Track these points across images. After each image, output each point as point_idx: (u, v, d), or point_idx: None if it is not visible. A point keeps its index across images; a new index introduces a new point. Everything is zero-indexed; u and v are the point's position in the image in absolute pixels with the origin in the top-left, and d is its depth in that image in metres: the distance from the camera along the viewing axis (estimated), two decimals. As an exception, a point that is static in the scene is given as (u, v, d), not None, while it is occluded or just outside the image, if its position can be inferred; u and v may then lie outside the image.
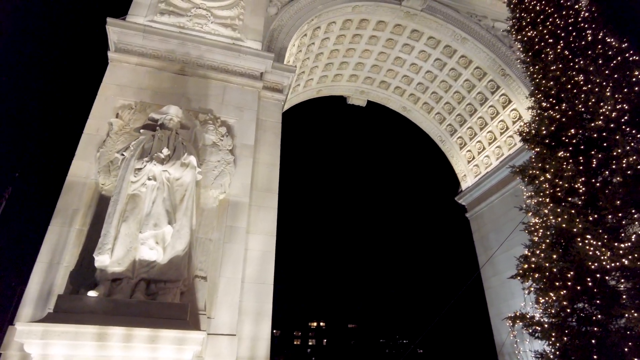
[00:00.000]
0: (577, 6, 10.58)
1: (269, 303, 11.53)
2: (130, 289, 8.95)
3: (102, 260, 8.89)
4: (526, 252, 8.80)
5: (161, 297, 8.94)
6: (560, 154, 8.49)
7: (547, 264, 7.49)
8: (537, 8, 11.02)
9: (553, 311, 7.45)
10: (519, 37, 11.55)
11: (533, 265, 8.11)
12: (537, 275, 7.77)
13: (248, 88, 13.98)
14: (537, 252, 8.08)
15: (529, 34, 11.02)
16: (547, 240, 7.97)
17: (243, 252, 11.72)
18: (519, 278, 9.01)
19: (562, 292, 7.31)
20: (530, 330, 9.02)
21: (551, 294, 7.42)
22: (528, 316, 8.87)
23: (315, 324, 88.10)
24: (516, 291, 18.63)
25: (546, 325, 8.01)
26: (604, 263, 6.54)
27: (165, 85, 12.83)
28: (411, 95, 23.94)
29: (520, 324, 9.25)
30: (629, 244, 6.56)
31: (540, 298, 7.70)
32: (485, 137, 22.29)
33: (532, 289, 8.38)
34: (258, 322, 10.99)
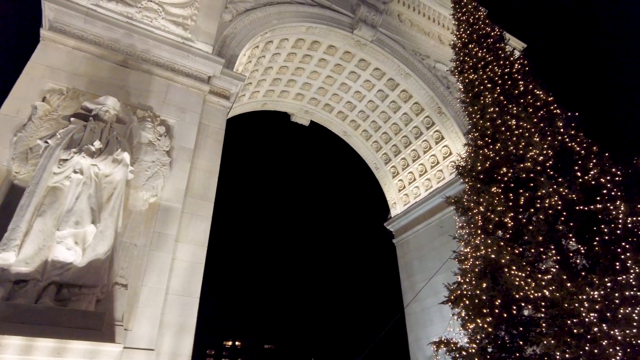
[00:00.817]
0: (512, 58, 11.73)
1: (193, 317, 10.85)
2: (37, 293, 7.89)
3: (6, 257, 7.79)
4: (458, 279, 9.25)
5: (74, 304, 8.00)
6: (494, 189, 9.17)
7: (477, 292, 7.93)
8: (479, 55, 12.01)
9: (478, 337, 7.85)
10: (460, 78, 12.45)
11: (463, 292, 8.54)
12: (467, 302, 8.18)
13: (193, 90, 13.44)
14: (467, 280, 8.53)
15: (471, 76, 11.93)
16: (476, 269, 8.47)
17: (170, 261, 11.00)
18: (449, 304, 9.41)
19: (488, 319, 7.75)
20: (453, 356, 9.40)
21: (478, 321, 7.83)
22: (452, 342, 9.27)
23: (230, 343, 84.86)
24: (435, 318, 19.50)
25: (472, 351, 8.43)
26: (528, 293, 7.09)
27: (104, 74, 11.91)
28: (352, 122, 24.65)
29: (444, 349, 9.62)
30: (550, 276, 7.18)
31: (468, 324, 8.08)
32: (417, 169, 23.48)
33: (461, 314, 8.78)
34: (180, 338, 10.27)
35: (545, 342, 6.51)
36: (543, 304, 6.94)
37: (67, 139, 9.14)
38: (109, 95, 10.73)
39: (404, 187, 24.15)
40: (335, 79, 22.48)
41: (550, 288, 6.90)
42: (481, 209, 9.14)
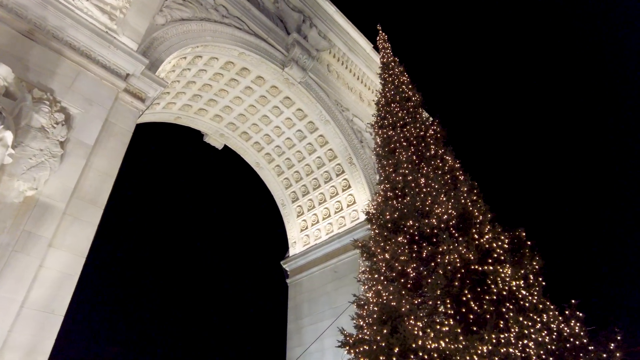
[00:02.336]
0: (427, 123, 12.88)
1: (50, 339, 9.18)
2: None
3: None
4: (359, 324, 9.27)
5: None
6: (400, 238, 9.60)
7: (378, 337, 7.97)
8: (399, 115, 12.98)
9: None
10: (379, 132, 13.22)
11: (364, 337, 8.54)
12: (366, 347, 8.15)
13: (107, 83, 12.22)
14: (366, 325, 8.58)
15: (389, 132, 12.74)
16: (375, 316, 8.58)
17: (36, 268, 9.37)
18: (347, 347, 9.31)
19: (382, 367, 7.80)
20: (339, 403, 9.20)
21: (373, 368, 7.84)
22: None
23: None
24: (316, 365, 19.17)
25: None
26: (426, 343, 7.32)
27: (2, 41, 10.27)
28: (267, 154, 24.51)
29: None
30: (446, 328, 7.55)
31: None
32: (321, 212, 23.89)
33: (354, 360, 8.71)
34: (27, 362, 8.54)
35: None
36: (436, 355, 7.21)
37: None
38: (2, 63, 9.21)
39: (307, 228, 24.27)
40: (257, 110, 22.38)
41: (447, 340, 7.23)
42: (387, 256, 9.47)
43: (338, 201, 23.32)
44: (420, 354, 7.26)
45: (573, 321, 7.79)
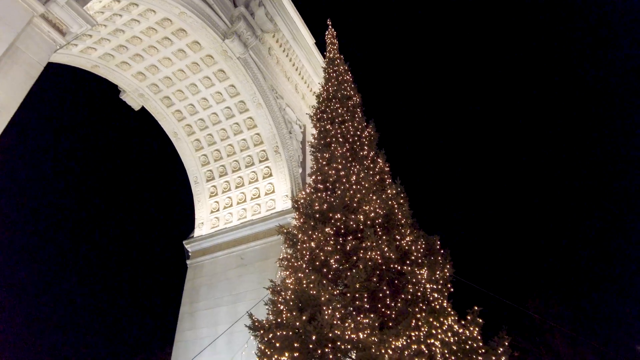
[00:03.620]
0: (364, 124, 13.14)
1: None
2: None
3: None
4: (279, 308, 9.01)
5: None
6: (328, 230, 9.59)
7: (297, 323, 7.79)
8: (339, 111, 13.06)
9: None
10: (317, 125, 13.16)
11: (280, 322, 8.30)
12: (279, 333, 7.91)
13: (21, 3, 10.41)
14: (282, 310, 8.37)
15: (327, 126, 12.75)
16: (292, 303, 8.42)
17: None
18: (259, 332, 8.95)
19: (295, 354, 7.63)
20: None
21: (286, 354, 7.62)
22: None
23: None
24: (205, 350, 18.46)
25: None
26: (346, 334, 7.33)
27: None
28: (188, 126, 23.09)
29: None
30: (367, 320, 7.67)
31: (276, 356, 7.74)
32: (237, 196, 23.15)
33: (262, 347, 8.41)
34: None
35: None
36: (350, 346, 7.28)
37: None
38: None
39: (218, 210, 23.34)
40: (187, 76, 20.97)
41: (367, 332, 7.35)
42: (312, 244, 9.39)
43: (256, 188, 22.80)
44: (338, 343, 7.29)
45: (472, 326, 8.47)
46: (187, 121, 22.93)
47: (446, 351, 7.89)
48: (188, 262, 22.21)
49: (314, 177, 11.64)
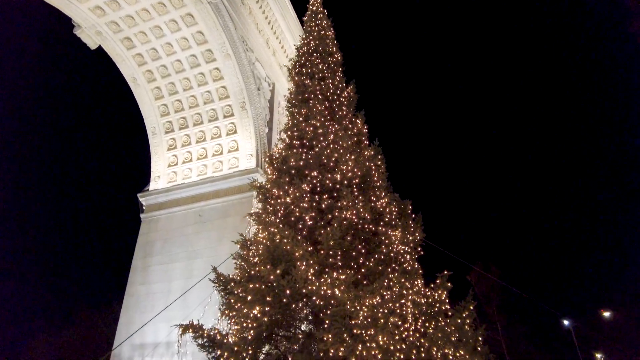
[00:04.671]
0: (344, 84, 12.68)
1: None
2: None
3: None
4: (242, 263, 8.68)
5: None
6: (304, 186, 9.25)
7: (271, 277, 7.48)
8: (319, 67, 12.48)
9: (251, 324, 7.32)
10: (296, 79, 12.55)
11: (246, 276, 7.97)
12: (257, 286, 7.59)
13: None
14: (254, 264, 8.04)
15: (306, 81, 12.18)
16: (264, 257, 8.10)
17: None
18: (230, 285, 8.58)
19: (267, 308, 7.38)
20: (200, 343, 8.56)
21: (257, 307, 7.34)
22: (206, 328, 8.50)
23: None
24: (157, 305, 17.95)
25: (232, 339, 7.80)
26: (322, 289, 7.14)
27: None
28: (149, 72, 21.54)
29: (192, 334, 8.66)
30: (344, 276, 7.52)
31: (245, 310, 7.43)
32: (197, 151, 22.17)
33: (231, 301, 8.09)
34: None
35: (326, 338, 6.62)
36: (323, 302, 7.13)
37: None
38: None
39: (176, 164, 22.28)
40: (151, 17, 19.35)
41: (342, 288, 7.21)
42: (287, 200, 9.04)
43: (219, 144, 21.91)
44: (314, 298, 7.11)
45: (440, 290, 8.63)
46: (148, 67, 21.36)
47: (417, 312, 8.00)
48: (142, 215, 21.22)
49: (289, 132, 11.15)
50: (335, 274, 7.61)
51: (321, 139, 10.44)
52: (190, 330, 8.55)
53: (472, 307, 8.48)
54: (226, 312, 8.37)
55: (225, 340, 8.05)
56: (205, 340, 8.41)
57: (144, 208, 21.50)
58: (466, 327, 8.13)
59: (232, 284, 8.50)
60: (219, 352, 7.72)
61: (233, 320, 8.28)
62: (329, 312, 6.98)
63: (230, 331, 8.25)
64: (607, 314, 46.40)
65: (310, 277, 7.50)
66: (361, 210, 8.69)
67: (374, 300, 7.11)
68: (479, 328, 8.29)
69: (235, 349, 7.50)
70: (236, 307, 7.88)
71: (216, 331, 8.51)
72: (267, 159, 10.88)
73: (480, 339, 8.08)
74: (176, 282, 18.23)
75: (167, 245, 19.65)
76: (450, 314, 8.44)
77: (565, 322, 43.33)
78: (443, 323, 8.02)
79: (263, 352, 8.00)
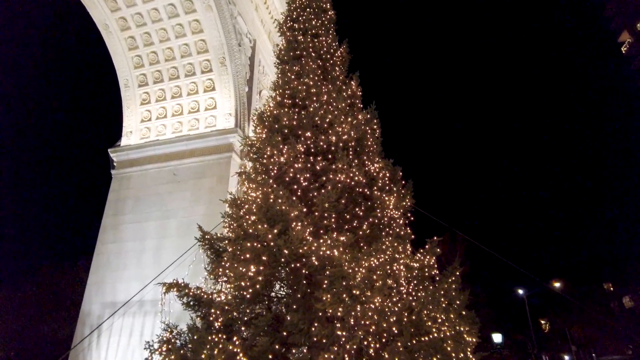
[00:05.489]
0: (338, 44, 12.19)
1: None
2: None
3: None
4: (231, 222, 8.41)
5: None
6: (299, 146, 8.94)
7: (269, 235, 7.23)
8: (313, 22, 11.89)
9: (245, 283, 7.12)
10: (287, 34, 11.92)
11: (242, 234, 7.71)
12: (254, 244, 7.34)
13: None
14: (251, 223, 7.77)
15: (298, 37, 11.60)
16: (256, 217, 7.83)
17: None
18: (224, 243, 8.32)
19: (261, 268, 7.19)
20: (186, 301, 8.35)
21: (252, 267, 7.12)
22: (193, 287, 8.29)
23: None
24: (130, 264, 17.53)
25: (221, 298, 7.63)
26: (320, 250, 7.00)
27: None
28: (122, 19, 20.07)
29: (175, 292, 8.42)
30: (343, 238, 7.40)
31: (240, 268, 7.20)
32: (172, 107, 21.19)
33: (224, 260, 7.85)
34: None
35: (325, 298, 6.55)
36: (318, 263, 7.02)
37: None
38: None
39: (150, 120, 21.26)
40: (127, -43, 17.80)
41: (341, 249, 7.10)
42: (282, 159, 8.73)
43: (195, 101, 21.00)
44: (313, 258, 6.97)
45: (430, 255, 8.73)
46: (122, 13, 19.88)
47: (409, 275, 8.09)
48: (113, 172, 20.30)
49: (279, 90, 10.67)
50: (335, 234, 7.49)
51: (314, 98, 10.07)
52: (175, 289, 8.31)
53: (457, 273, 8.65)
54: (216, 270, 8.17)
55: (217, 299, 7.88)
56: (190, 299, 8.21)
57: (115, 164, 20.57)
58: (452, 292, 8.31)
59: (227, 241, 8.25)
60: (211, 310, 7.54)
61: (223, 279, 8.10)
62: (327, 272, 6.90)
63: (225, 290, 8.08)
64: (557, 284, 49.61)
65: (307, 238, 7.35)
66: (357, 173, 8.52)
67: (372, 262, 7.08)
68: (464, 293, 8.49)
69: (227, 307, 7.36)
70: (228, 265, 7.67)
71: (200, 290, 8.32)
72: (255, 118, 10.45)
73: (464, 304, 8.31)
74: (150, 241, 17.77)
75: (140, 203, 19.00)
76: (437, 279, 8.59)
77: (520, 291, 46.20)
78: (432, 288, 8.15)
79: (256, 311, 7.91)
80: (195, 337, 7.61)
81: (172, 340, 8.26)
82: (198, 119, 20.76)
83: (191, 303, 8.19)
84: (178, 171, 19.47)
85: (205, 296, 8.18)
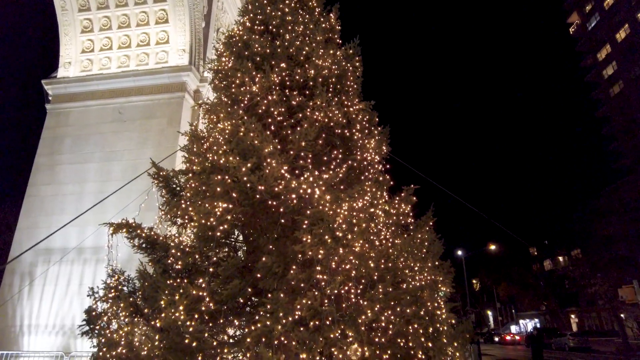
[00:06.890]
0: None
1: None
2: None
3: None
4: (191, 157, 7.41)
5: None
6: (274, 77, 7.95)
7: (243, 169, 6.32)
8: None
9: (209, 223, 6.26)
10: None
11: (210, 165, 6.75)
12: (218, 177, 6.40)
13: None
14: (217, 155, 6.81)
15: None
16: (226, 148, 6.89)
17: None
18: (185, 176, 7.30)
19: (231, 206, 6.32)
20: (138, 243, 7.41)
21: (220, 204, 6.24)
22: (145, 228, 7.33)
23: None
24: (68, 208, 15.96)
25: (179, 239, 6.77)
26: (301, 188, 6.24)
27: None
28: None
29: (125, 234, 7.43)
30: (327, 176, 6.67)
31: (206, 205, 6.31)
32: (119, 38, 18.96)
33: (187, 195, 6.92)
34: None
35: (305, 239, 5.89)
36: (297, 202, 6.32)
37: None
38: None
39: (92, 51, 18.93)
40: None
41: (323, 189, 6.40)
42: (254, 89, 7.72)
43: (146, 33, 18.89)
44: (293, 196, 6.23)
45: (405, 203, 8.34)
46: None
47: (387, 220, 7.66)
48: (48, 106, 18.05)
49: (250, 15, 9.44)
50: (316, 172, 6.78)
51: (289, 27, 9.00)
52: (124, 230, 7.32)
53: (431, 223, 8.37)
54: (173, 210, 7.25)
55: (174, 241, 7.03)
56: (142, 240, 7.29)
57: (50, 98, 18.25)
58: (425, 242, 8.03)
59: (190, 175, 7.28)
60: (170, 252, 6.68)
61: (182, 221, 7.23)
62: (308, 212, 6.24)
63: (188, 231, 7.22)
64: (492, 247, 53.07)
65: (285, 175, 6.59)
66: (336, 112, 7.76)
67: (355, 204, 6.51)
68: (437, 243, 8.26)
69: (187, 249, 6.55)
70: (189, 203, 6.78)
71: (152, 232, 7.41)
72: (221, 44, 9.23)
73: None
74: (90, 185, 16.19)
75: (80, 143, 17.14)
76: (412, 227, 8.27)
77: (459, 252, 48.95)
78: (406, 236, 7.80)
79: (223, 253, 7.17)
80: (146, 283, 6.78)
81: (119, 287, 7.39)
82: (148, 53, 18.77)
83: (144, 245, 7.28)
84: (124, 110, 17.67)
85: (160, 238, 7.30)
